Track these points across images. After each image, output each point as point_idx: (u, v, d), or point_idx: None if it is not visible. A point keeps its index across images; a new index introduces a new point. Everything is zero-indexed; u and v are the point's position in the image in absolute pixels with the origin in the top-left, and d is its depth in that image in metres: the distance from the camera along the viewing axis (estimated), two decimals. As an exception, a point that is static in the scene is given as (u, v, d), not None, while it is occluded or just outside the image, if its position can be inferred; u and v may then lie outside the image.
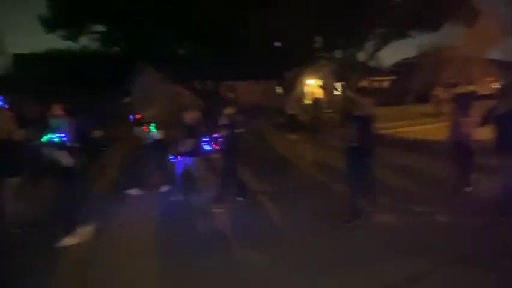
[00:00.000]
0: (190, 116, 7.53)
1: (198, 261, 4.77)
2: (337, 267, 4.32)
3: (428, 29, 23.10)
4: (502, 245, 4.52)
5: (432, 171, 8.26)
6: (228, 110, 7.28)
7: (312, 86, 31.33)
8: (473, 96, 7.74)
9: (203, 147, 7.81)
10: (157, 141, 8.09)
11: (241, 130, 7.23)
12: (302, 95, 27.88)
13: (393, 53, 47.72)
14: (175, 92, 9.03)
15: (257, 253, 4.87)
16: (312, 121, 16.29)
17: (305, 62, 21.25)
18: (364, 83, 32.68)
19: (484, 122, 5.44)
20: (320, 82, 30.59)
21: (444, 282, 3.85)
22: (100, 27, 22.34)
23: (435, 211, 5.75)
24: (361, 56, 27.43)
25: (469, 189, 6.53)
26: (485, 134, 5.35)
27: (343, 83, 26.30)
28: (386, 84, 35.41)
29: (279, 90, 23.42)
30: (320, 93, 31.60)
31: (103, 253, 5.22)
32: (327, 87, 29.75)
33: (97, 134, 8.82)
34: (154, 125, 8.03)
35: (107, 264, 4.89)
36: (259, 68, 19.62)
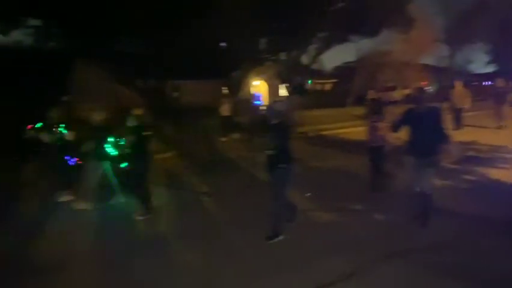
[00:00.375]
0: (100, 115, 6.73)
1: (133, 266, 4.57)
2: (274, 267, 4.32)
3: (368, 34, 24.17)
4: (431, 240, 4.75)
5: (364, 171, 8.52)
6: (138, 111, 6.55)
7: (257, 86, 31.65)
8: (384, 102, 7.99)
9: (107, 150, 6.67)
10: (66, 143, 7.04)
11: (150, 133, 6.45)
12: (249, 95, 28.05)
13: (335, 57, 49.28)
14: (116, 90, 8.67)
15: (193, 254, 4.77)
16: (250, 122, 16.28)
17: (250, 63, 21.36)
18: (307, 85, 33.56)
19: (395, 127, 5.43)
20: (265, 84, 30.96)
21: (378, 278, 3.98)
22: (35, 22, 21.00)
23: (371, 209, 5.92)
24: (305, 59, 28.13)
25: (388, 187, 6.60)
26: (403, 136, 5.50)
27: (287, 84, 26.74)
28: (328, 86, 36.53)
29: (225, 90, 23.35)
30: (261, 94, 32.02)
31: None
32: (271, 89, 30.15)
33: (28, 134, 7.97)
34: (63, 125, 7.16)
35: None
36: (205, 67, 19.46)
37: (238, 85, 21.83)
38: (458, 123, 13.71)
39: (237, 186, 7.96)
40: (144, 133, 6.34)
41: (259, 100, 17.54)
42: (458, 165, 8.35)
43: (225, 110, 15.30)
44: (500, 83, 15.05)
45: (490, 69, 44.10)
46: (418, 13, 27.28)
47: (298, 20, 17.09)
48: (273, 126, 4.97)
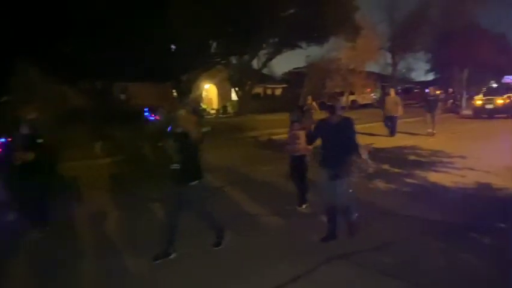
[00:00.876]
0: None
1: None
2: (220, 276, 4.26)
3: (316, 41, 24.79)
4: (374, 242, 4.91)
5: (313, 175, 8.67)
6: (31, 114, 5.71)
7: (208, 90, 31.48)
8: (304, 109, 7.73)
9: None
10: None
11: (41, 141, 5.51)
12: (200, 98, 27.81)
13: (286, 62, 49.98)
14: (58, 92, 8.24)
15: (135, 259, 4.61)
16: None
17: (201, 66, 21.20)
18: (258, 90, 33.85)
19: (309, 138, 5.27)
20: (215, 87, 30.86)
21: (323, 281, 4.02)
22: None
23: (318, 212, 5.99)
24: (255, 64, 28.35)
25: (303, 206, 6.21)
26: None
27: (237, 88, 26.84)
28: (278, 91, 37.05)
29: (174, 93, 22.98)
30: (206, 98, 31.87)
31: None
32: (221, 92, 30.12)
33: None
34: None
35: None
36: (154, 69, 19.03)
37: (187, 88, 21.58)
38: (393, 131, 14.32)
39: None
40: (39, 141, 5.48)
41: (148, 111, 16.98)
42: (401, 169, 8.76)
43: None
44: (432, 91, 16.04)
45: (430, 77, 46.77)
46: (364, 22, 28.46)
47: (249, 24, 17.19)
48: (175, 135, 4.50)
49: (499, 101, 21.35)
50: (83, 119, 12.86)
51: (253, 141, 14.86)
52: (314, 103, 14.69)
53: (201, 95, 28.05)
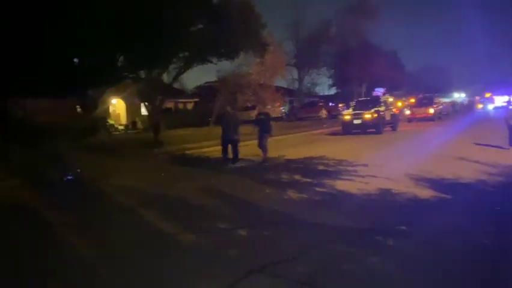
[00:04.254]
0: None
1: None
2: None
3: (226, 56, 25.13)
4: (292, 251, 5.04)
5: (230, 189, 8.74)
6: None
7: (115, 105, 30.12)
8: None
9: None
10: None
11: None
12: (107, 114, 26.47)
13: (197, 76, 49.99)
14: None
15: None
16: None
17: (107, 81, 20.18)
18: (169, 104, 33.25)
19: None
20: (122, 102, 29.63)
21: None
22: None
23: (235, 227, 6.03)
24: (166, 78, 27.84)
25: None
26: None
27: (146, 103, 26.11)
28: (190, 106, 36.77)
29: (79, 109, 21.57)
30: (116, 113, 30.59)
31: None
32: (130, 107, 29.04)
33: None
34: None
35: None
36: (56, 84, 17.63)
37: (94, 104, 20.40)
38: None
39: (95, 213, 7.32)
40: None
41: None
42: (311, 179, 9.16)
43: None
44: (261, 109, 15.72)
45: (333, 91, 49.97)
46: (271, 39, 29.60)
47: (157, 39, 16.86)
48: None
49: (367, 116, 20.38)
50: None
51: (166, 157, 14.49)
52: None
53: (107, 110, 26.76)
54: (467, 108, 51.55)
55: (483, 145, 13.63)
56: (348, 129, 20.78)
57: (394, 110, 23.94)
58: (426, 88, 57.44)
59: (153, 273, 4.53)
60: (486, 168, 9.45)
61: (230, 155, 11.68)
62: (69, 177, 10.52)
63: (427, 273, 4.11)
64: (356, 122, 20.61)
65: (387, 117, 21.90)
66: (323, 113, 33.16)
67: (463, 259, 4.38)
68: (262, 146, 12.20)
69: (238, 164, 11.56)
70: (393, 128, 22.66)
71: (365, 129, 20.17)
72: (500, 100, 50.28)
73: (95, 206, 7.94)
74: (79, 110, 21.57)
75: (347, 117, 21.24)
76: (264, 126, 12.40)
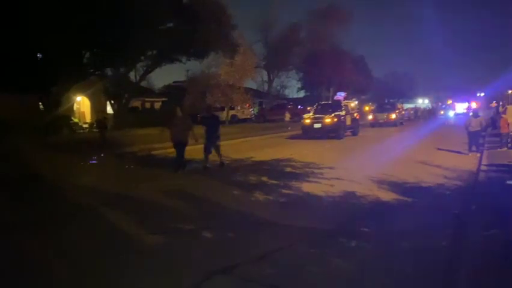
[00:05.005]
0: None
1: None
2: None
3: (195, 56, 24.97)
4: (258, 252, 5.03)
5: (195, 190, 8.65)
6: None
7: (79, 103, 29.23)
8: None
9: None
10: None
11: None
12: (71, 112, 25.63)
13: (166, 75, 49.34)
14: None
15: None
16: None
17: (72, 77, 19.56)
18: (136, 103, 32.60)
19: None
20: (87, 99, 28.81)
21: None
22: None
23: (201, 227, 5.97)
24: (133, 76, 27.34)
25: None
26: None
27: (112, 101, 25.56)
28: (157, 105, 36.17)
29: (41, 106, 20.76)
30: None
31: None
32: (95, 105, 28.26)
33: None
34: None
35: None
36: (18, 79, 16.88)
37: (56, 100, 19.69)
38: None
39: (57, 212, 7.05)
40: None
41: None
42: (278, 181, 9.20)
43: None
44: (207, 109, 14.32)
45: (302, 94, 50.51)
46: (241, 40, 29.61)
47: (124, 35, 16.51)
48: None
49: (327, 120, 20.01)
50: None
51: (131, 158, 14.16)
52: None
53: (71, 108, 25.94)
54: (430, 114, 53.46)
55: (444, 150, 14.12)
56: (308, 133, 20.44)
57: (355, 115, 23.80)
58: (392, 93, 59.24)
59: (111, 274, 4.41)
60: (446, 172, 9.81)
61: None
62: (25, 176, 10.07)
63: (388, 273, 4.19)
64: (316, 126, 20.19)
65: (348, 122, 21.77)
66: (287, 116, 32.86)
67: (422, 260, 4.49)
68: (210, 150, 11.16)
69: (186, 168, 10.79)
70: (354, 133, 22.69)
71: (324, 133, 19.85)
72: (461, 107, 52.31)
73: (50, 206, 7.63)
74: (41, 106, 20.80)
75: (307, 121, 20.81)
76: (211, 129, 11.23)
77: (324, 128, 19.95)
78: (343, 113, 21.15)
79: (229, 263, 4.54)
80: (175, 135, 10.76)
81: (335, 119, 20.07)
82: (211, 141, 11.16)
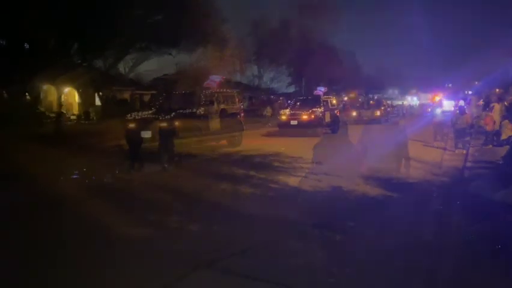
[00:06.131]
0: None
1: None
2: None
3: (184, 49, 24.78)
4: (243, 245, 5.03)
5: (181, 183, 8.61)
6: None
7: (67, 94, 28.85)
8: None
9: None
10: None
11: None
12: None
13: (156, 68, 48.64)
14: None
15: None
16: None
17: (59, 68, 19.23)
18: (125, 95, 32.30)
19: None
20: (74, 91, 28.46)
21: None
22: None
23: (185, 220, 5.95)
24: (122, 68, 27.07)
25: None
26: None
27: (101, 93, 25.28)
28: (147, 97, 35.84)
29: (28, 97, 20.37)
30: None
31: None
32: (83, 97, 27.94)
33: None
34: None
35: None
36: (4, 69, 16.50)
37: (21, 90, 19.06)
38: None
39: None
40: None
41: None
42: (265, 175, 9.19)
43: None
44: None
45: (292, 89, 50.44)
46: (231, 34, 29.42)
47: (112, 26, 16.29)
48: None
49: (304, 117, 19.20)
50: None
51: (118, 150, 14.00)
52: None
53: (59, 99, 25.58)
54: (418, 111, 53.80)
55: (431, 147, 14.24)
56: (285, 129, 19.51)
57: (336, 111, 22.26)
58: (382, 90, 59.54)
59: (95, 267, 4.36)
60: (432, 168, 9.90)
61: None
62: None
63: (369, 266, 4.23)
64: (292, 122, 19.31)
65: (327, 119, 20.31)
66: (268, 111, 31.80)
67: (405, 253, 4.52)
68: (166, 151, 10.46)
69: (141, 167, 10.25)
70: (333, 131, 19.87)
71: (301, 130, 18.72)
72: (448, 105, 52.64)
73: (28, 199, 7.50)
74: (27, 97, 20.40)
75: (283, 118, 19.96)
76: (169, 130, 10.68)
77: (301, 124, 19.05)
78: (321, 109, 19.98)
79: (213, 256, 4.52)
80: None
81: (312, 116, 19.16)
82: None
